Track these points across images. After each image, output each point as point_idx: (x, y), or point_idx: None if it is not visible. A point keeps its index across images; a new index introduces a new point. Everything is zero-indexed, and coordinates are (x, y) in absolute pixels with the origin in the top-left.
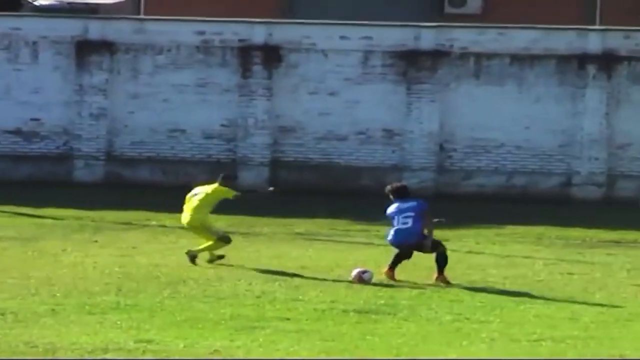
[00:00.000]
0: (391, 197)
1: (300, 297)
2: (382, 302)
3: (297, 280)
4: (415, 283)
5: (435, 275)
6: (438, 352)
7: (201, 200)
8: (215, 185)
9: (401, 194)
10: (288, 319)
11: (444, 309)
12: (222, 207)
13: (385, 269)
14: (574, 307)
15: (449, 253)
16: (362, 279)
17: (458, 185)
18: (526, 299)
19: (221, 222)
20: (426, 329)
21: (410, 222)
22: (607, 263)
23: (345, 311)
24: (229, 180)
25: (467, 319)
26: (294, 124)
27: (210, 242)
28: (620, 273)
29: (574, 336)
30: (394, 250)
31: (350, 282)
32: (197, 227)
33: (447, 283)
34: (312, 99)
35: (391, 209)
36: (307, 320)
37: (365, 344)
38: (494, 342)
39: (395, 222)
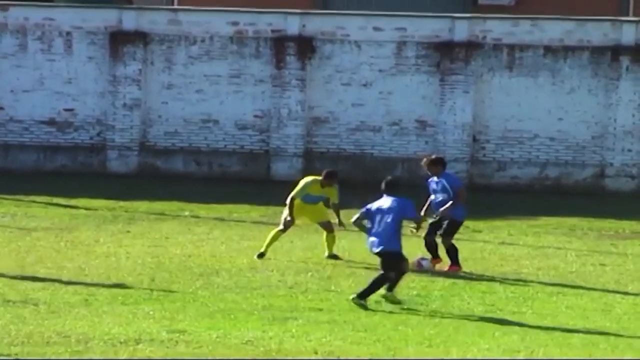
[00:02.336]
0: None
1: (333, 287)
2: (415, 292)
3: (329, 271)
4: (447, 273)
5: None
6: (471, 343)
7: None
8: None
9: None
10: (320, 310)
11: (477, 300)
12: (256, 197)
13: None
14: (607, 298)
15: (481, 245)
16: (421, 265)
17: (491, 177)
18: (559, 290)
19: (255, 213)
20: (458, 320)
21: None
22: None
23: (377, 302)
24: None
25: (500, 310)
26: (327, 115)
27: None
28: None
29: (606, 327)
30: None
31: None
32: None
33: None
34: (346, 90)
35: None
36: (339, 310)
37: (398, 335)
38: (526, 333)
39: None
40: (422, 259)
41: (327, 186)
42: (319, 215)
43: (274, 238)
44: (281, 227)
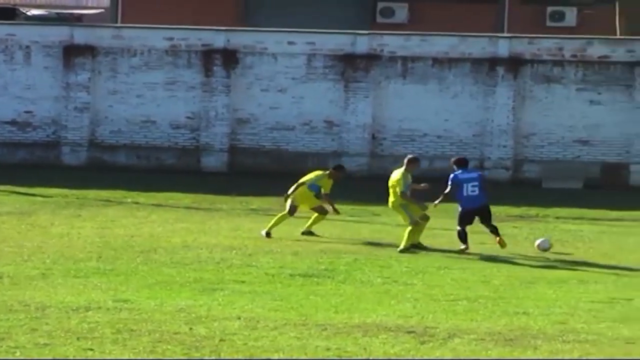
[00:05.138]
0: (454, 167)
1: (254, 263)
2: (323, 267)
3: (251, 249)
4: (350, 250)
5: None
6: (370, 310)
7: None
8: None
9: (463, 164)
10: (243, 282)
11: (375, 273)
12: (188, 186)
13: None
14: (486, 271)
15: (379, 227)
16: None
17: (388, 169)
18: (445, 264)
19: (187, 200)
20: (360, 291)
21: (477, 190)
22: (513, 235)
23: (292, 275)
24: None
25: (395, 281)
26: (249, 116)
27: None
28: (525, 243)
29: (485, 296)
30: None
31: (295, 250)
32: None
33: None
34: (264, 95)
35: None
36: (259, 283)
37: (309, 303)
38: (417, 301)
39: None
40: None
41: (335, 177)
42: (314, 202)
43: (280, 220)
44: (287, 211)
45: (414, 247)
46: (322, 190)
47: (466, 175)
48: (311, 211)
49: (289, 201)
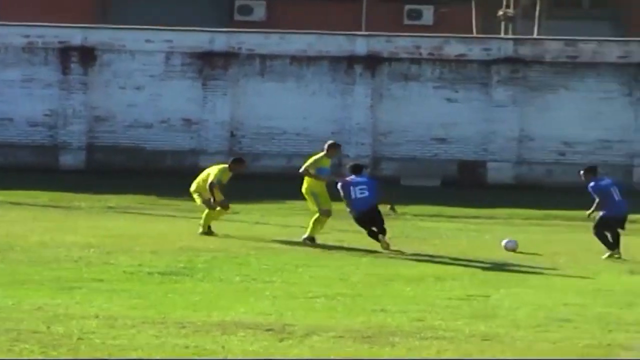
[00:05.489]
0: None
1: (112, 261)
2: (182, 265)
3: (109, 246)
4: (209, 248)
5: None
6: (229, 308)
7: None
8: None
9: (357, 170)
10: (101, 280)
11: (234, 271)
12: (45, 184)
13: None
14: (344, 269)
15: (238, 225)
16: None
17: (247, 167)
18: (304, 262)
19: (45, 198)
20: (219, 288)
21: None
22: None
23: (150, 273)
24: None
25: (254, 279)
26: (107, 114)
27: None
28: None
29: (343, 294)
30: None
31: (154, 248)
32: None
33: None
34: (122, 93)
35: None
36: (117, 281)
37: (167, 301)
38: (276, 299)
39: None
40: (508, 241)
41: (235, 170)
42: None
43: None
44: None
45: (310, 240)
46: (219, 181)
47: (356, 180)
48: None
49: (203, 198)
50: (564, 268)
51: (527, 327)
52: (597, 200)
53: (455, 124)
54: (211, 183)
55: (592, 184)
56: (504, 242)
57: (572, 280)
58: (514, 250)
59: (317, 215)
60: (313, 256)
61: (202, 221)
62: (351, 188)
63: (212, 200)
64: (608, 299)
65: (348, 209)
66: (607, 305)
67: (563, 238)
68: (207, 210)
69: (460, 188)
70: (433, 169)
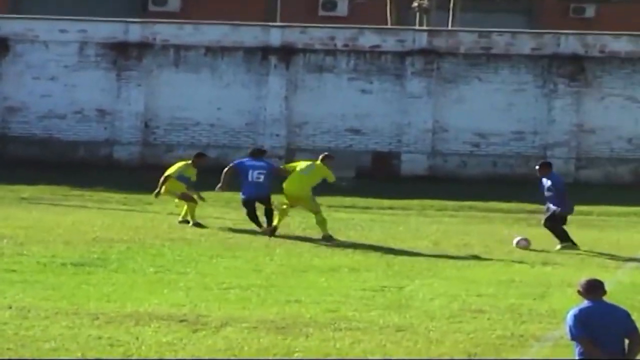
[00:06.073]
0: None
1: (25, 252)
2: (96, 256)
3: (22, 237)
4: (123, 239)
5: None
6: (143, 299)
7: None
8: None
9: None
10: (14, 271)
11: (148, 262)
12: None
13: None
14: (258, 260)
15: (151, 216)
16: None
17: (161, 157)
18: (218, 253)
19: None
20: (133, 279)
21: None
22: (286, 224)
23: (63, 264)
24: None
25: (168, 270)
26: (20, 105)
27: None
28: (297, 231)
29: (257, 285)
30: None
31: (67, 239)
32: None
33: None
34: (36, 83)
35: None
36: (31, 272)
37: (81, 292)
38: (190, 290)
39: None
40: (524, 239)
41: (198, 165)
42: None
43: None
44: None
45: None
46: (191, 180)
47: (254, 163)
48: (180, 201)
49: (176, 194)
50: (478, 259)
51: (441, 318)
52: (551, 194)
53: (369, 116)
54: (166, 176)
55: (557, 177)
56: (515, 241)
57: (486, 271)
58: (526, 249)
59: (317, 215)
60: (227, 247)
61: (186, 216)
62: (250, 171)
63: (160, 190)
64: (521, 290)
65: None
66: (520, 297)
67: (477, 229)
68: (185, 204)
69: (375, 179)
70: (347, 160)
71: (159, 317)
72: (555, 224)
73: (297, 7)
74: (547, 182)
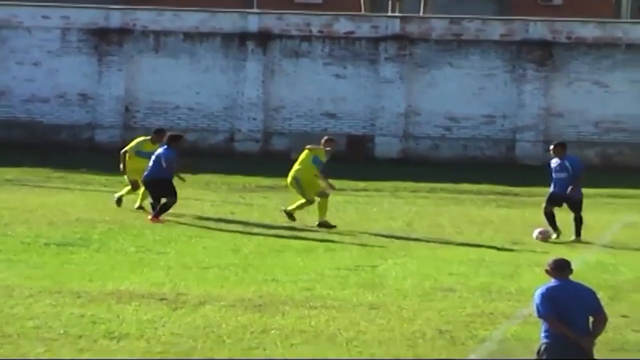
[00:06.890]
0: None
1: (9, 232)
2: (78, 236)
3: (6, 218)
4: (105, 219)
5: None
6: (124, 278)
7: None
8: None
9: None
10: None
11: (129, 242)
12: None
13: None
14: (236, 240)
15: (133, 197)
16: (544, 236)
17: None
18: (197, 233)
19: None
20: (114, 259)
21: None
22: (263, 205)
23: (47, 244)
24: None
25: (149, 250)
26: (4, 89)
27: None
28: (274, 212)
29: (235, 264)
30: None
31: (51, 220)
32: None
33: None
34: (19, 68)
35: None
36: (15, 251)
37: (64, 271)
38: (170, 269)
39: None
40: (545, 231)
41: (156, 140)
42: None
43: (127, 194)
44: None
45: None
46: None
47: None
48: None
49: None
50: (449, 239)
51: (413, 296)
52: (565, 175)
53: (344, 100)
54: (124, 151)
55: (576, 160)
56: (535, 233)
57: (457, 250)
58: (545, 241)
59: (318, 199)
60: (206, 228)
61: (142, 202)
62: (154, 155)
63: (124, 165)
64: (491, 269)
65: None
66: (490, 275)
67: (448, 210)
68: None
69: (349, 162)
70: None
71: (140, 295)
72: (577, 210)
73: None
74: (556, 163)
